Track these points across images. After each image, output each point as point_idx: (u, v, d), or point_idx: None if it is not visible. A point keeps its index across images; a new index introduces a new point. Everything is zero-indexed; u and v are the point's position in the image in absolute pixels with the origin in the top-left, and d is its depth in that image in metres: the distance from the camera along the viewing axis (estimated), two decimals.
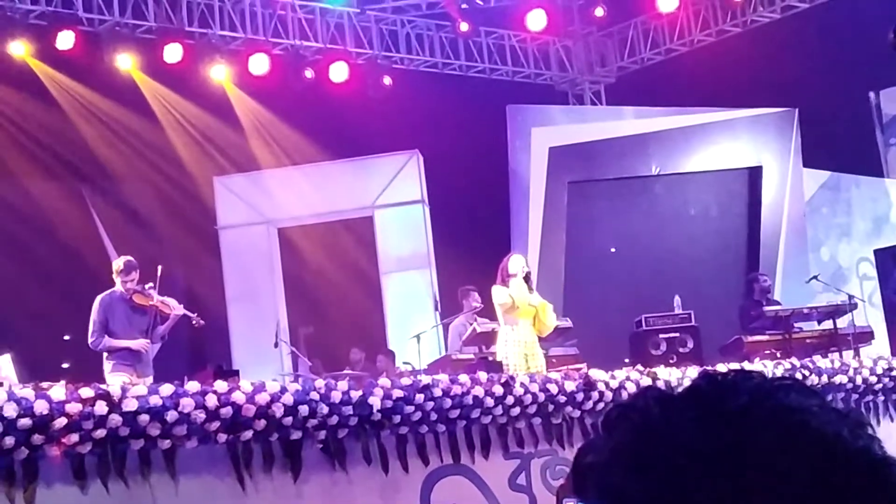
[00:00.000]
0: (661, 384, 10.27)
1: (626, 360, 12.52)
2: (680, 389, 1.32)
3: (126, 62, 15.42)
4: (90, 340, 10.84)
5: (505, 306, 11.23)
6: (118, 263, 11.24)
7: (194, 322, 11.26)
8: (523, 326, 11.26)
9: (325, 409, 8.71)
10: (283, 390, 8.66)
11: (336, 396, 8.79)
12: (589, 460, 1.31)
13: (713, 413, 1.26)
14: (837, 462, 1.23)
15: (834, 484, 1.22)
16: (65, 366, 13.77)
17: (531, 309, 11.37)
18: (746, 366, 11.11)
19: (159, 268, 11.22)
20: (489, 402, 9.46)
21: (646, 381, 10.28)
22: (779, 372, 11.01)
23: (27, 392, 7.74)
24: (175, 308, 11.16)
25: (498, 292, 11.32)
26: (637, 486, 1.25)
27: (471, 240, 15.51)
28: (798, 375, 11.01)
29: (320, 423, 8.72)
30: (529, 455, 9.79)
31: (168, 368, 11.33)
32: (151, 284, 11.09)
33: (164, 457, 8.15)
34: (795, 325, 13.77)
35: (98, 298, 11.01)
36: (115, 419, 7.85)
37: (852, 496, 1.22)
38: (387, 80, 17.30)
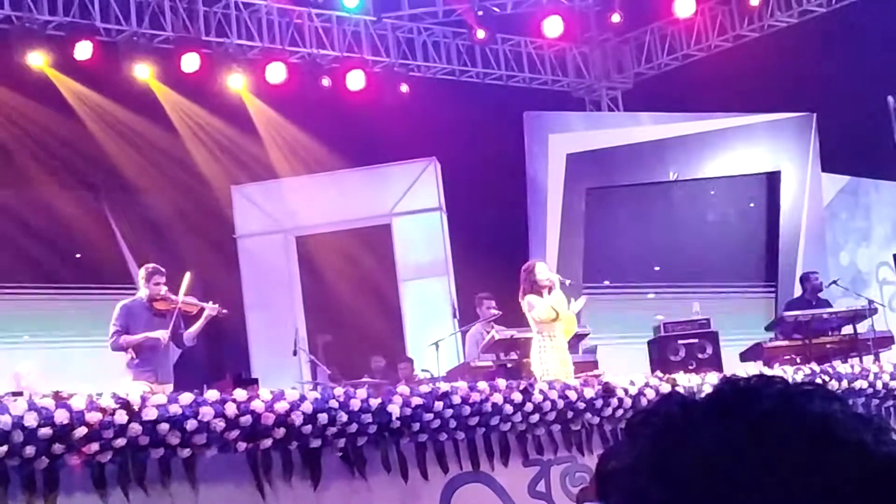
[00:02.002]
0: (680, 391, 10.24)
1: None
2: (702, 395, 1.32)
3: (144, 72, 15.47)
4: (110, 342, 10.81)
5: (549, 320, 11.13)
6: (144, 270, 11.24)
7: (218, 314, 11.19)
8: (560, 334, 11.25)
9: (345, 417, 8.71)
10: (303, 398, 8.67)
11: (355, 404, 8.78)
12: (612, 466, 1.31)
13: (736, 420, 1.25)
14: (862, 469, 1.22)
15: (858, 491, 1.21)
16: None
17: (566, 316, 11.36)
18: (767, 371, 11.09)
19: (188, 274, 11.20)
20: (508, 409, 9.45)
21: (665, 388, 10.25)
22: (799, 377, 10.98)
23: (47, 401, 7.76)
24: (208, 306, 11.09)
25: (540, 306, 11.15)
26: (660, 494, 1.24)
27: (489, 247, 15.50)
28: (818, 381, 10.98)
29: (339, 431, 8.72)
30: (549, 462, 9.78)
31: (187, 377, 11.34)
32: (167, 288, 11.05)
33: (183, 465, 8.16)
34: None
35: (119, 304, 11.01)
36: (135, 428, 7.87)
37: (876, 503, 1.21)
38: (404, 88, 17.33)
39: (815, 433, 1.23)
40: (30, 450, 7.48)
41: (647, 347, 14.12)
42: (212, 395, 8.39)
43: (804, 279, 14.90)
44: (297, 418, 8.50)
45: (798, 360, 12.63)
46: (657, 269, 16.88)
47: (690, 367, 12.73)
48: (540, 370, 11.02)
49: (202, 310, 11.09)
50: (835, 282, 14.76)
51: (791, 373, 11.11)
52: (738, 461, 1.22)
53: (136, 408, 7.92)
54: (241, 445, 8.37)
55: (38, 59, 14.75)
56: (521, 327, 12.72)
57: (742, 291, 16.76)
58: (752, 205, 17.63)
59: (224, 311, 11.30)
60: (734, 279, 16.89)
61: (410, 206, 16.67)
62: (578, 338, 12.92)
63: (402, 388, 9.34)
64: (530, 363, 11.41)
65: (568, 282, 11.64)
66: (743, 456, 1.22)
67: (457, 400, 9.24)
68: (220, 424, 8.19)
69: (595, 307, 15.35)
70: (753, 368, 11.32)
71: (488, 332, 12.61)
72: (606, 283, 16.62)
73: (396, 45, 17.94)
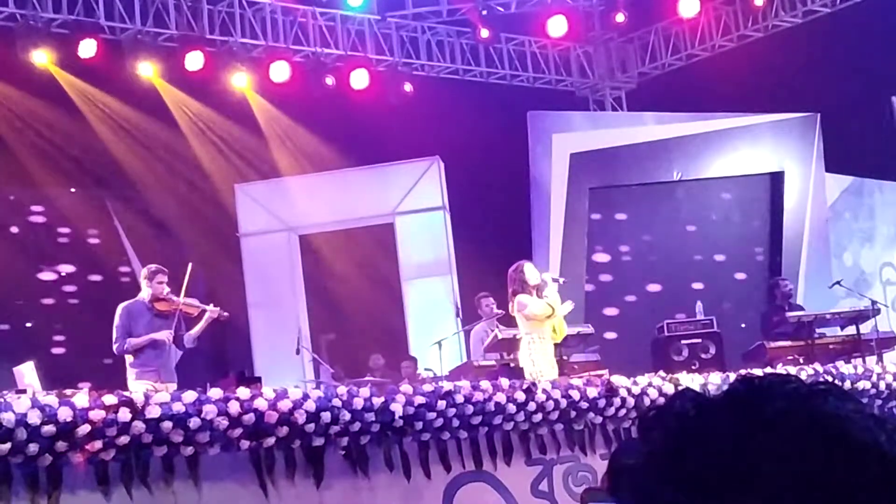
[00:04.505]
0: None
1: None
2: (716, 393, 1.31)
3: (148, 70, 15.46)
4: (115, 346, 10.80)
5: (543, 315, 11.00)
6: (146, 270, 11.22)
7: (219, 316, 11.17)
8: (548, 335, 11.17)
9: (348, 416, 8.71)
10: (306, 397, 8.67)
11: (358, 403, 8.79)
12: (625, 463, 1.30)
13: (750, 420, 1.24)
14: (876, 469, 1.21)
15: (872, 491, 1.20)
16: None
17: (561, 314, 11.29)
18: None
19: (189, 265, 11.19)
20: (511, 408, 9.44)
21: (668, 388, 10.24)
22: (803, 378, 10.96)
23: (51, 399, 7.77)
24: (209, 309, 11.07)
25: (534, 304, 11.04)
26: (672, 494, 1.24)
27: (492, 246, 15.48)
28: None
29: (343, 429, 8.73)
30: (552, 461, 9.78)
31: (191, 375, 11.33)
32: (169, 290, 11.03)
33: (187, 463, 8.17)
34: (818, 330, 13.70)
35: (121, 306, 10.98)
36: (139, 426, 7.87)
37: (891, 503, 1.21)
38: (407, 87, 17.30)
39: (830, 433, 1.23)
40: (33, 447, 7.49)
41: (651, 347, 14.12)
42: (215, 393, 8.40)
43: (774, 286, 14.91)
44: (300, 417, 8.50)
45: (801, 361, 12.61)
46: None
47: (693, 368, 12.71)
48: (532, 371, 10.90)
49: (203, 312, 11.09)
50: (838, 282, 14.73)
51: (794, 374, 11.10)
52: (752, 460, 1.22)
53: (139, 406, 7.92)
54: (245, 444, 8.37)
55: (42, 57, 14.74)
56: None
57: (745, 292, 16.73)
58: (753, 212, 17.60)
59: (225, 313, 11.27)
60: (738, 279, 16.86)
61: (414, 205, 16.66)
62: (581, 338, 12.92)
63: (405, 387, 9.34)
64: (519, 363, 11.32)
65: (562, 280, 11.57)
66: (757, 455, 1.22)
67: (460, 399, 9.24)
68: (223, 422, 8.20)
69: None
70: (756, 369, 11.28)
71: (492, 331, 12.60)
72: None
73: (400, 43, 17.92)
